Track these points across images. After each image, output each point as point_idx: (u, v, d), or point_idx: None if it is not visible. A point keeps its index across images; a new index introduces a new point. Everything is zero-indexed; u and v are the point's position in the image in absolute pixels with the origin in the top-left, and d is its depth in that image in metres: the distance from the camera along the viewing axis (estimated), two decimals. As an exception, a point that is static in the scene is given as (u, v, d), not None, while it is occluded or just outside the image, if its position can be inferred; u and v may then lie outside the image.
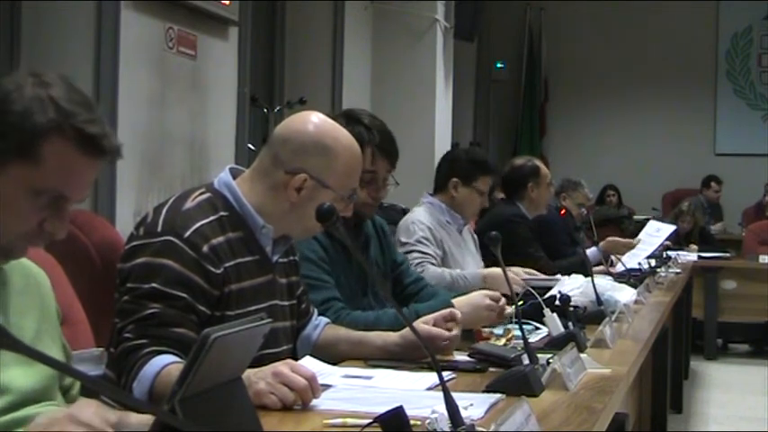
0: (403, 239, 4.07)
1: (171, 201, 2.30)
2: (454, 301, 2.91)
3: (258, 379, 1.93)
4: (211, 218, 2.27)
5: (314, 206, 2.27)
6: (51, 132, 1.59)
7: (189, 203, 2.28)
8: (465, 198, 4.29)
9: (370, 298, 3.02)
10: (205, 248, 2.20)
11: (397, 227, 4.13)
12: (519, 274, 3.83)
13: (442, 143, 9.07)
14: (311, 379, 1.96)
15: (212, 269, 2.20)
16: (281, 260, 2.45)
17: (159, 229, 2.20)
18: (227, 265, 2.24)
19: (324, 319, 2.65)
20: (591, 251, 5.27)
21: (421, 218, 4.19)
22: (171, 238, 2.18)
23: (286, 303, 2.47)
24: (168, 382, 1.98)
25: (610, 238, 5.79)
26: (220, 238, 2.25)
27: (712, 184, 11.12)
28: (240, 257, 2.29)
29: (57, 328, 1.82)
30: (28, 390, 1.67)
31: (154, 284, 2.14)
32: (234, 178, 2.37)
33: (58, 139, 1.59)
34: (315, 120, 2.39)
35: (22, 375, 1.66)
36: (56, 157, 1.60)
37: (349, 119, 2.95)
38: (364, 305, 2.94)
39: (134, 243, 2.21)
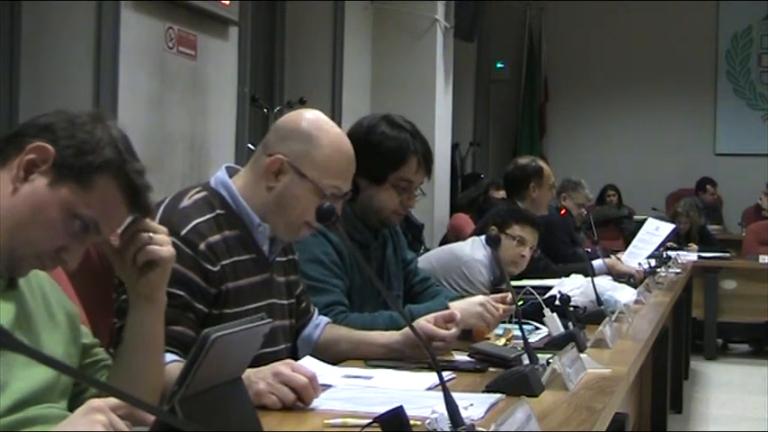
0: (462, 283, 4.11)
1: (167, 200, 2.30)
2: (451, 303, 2.91)
3: (258, 379, 1.93)
4: (208, 216, 2.27)
5: (292, 197, 2.28)
6: (109, 170, 1.70)
7: (185, 202, 2.28)
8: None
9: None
10: (202, 246, 2.21)
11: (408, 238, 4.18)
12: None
13: (442, 143, 9.07)
14: (312, 378, 1.96)
15: (209, 267, 2.21)
16: (279, 259, 2.45)
17: None
18: (223, 263, 2.24)
19: (324, 319, 2.65)
20: (597, 264, 5.25)
21: (486, 261, 4.23)
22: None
23: (285, 302, 2.47)
24: (168, 381, 1.98)
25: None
26: (217, 237, 2.25)
27: (707, 186, 11.11)
28: (237, 256, 2.29)
29: (65, 331, 1.83)
30: (27, 390, 1.67)
31: None
32: (231, 177, 2.37)
33: (112, 179, 1.71)
34: (310, 115, 2.40)
35: (22, 376, 1.67)
36: (104, 192, 1.70)
37: (392, 124, 2.95)
38: (380, 304, 2.93)
39: None
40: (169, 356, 2.08)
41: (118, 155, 1.72)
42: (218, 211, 2.30)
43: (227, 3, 5.85)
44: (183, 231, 2.20)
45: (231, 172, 2.40)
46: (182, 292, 2.16)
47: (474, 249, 4.34)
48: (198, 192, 2.33)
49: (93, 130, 1.71)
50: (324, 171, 2.33)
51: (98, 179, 1.69)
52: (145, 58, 5.20)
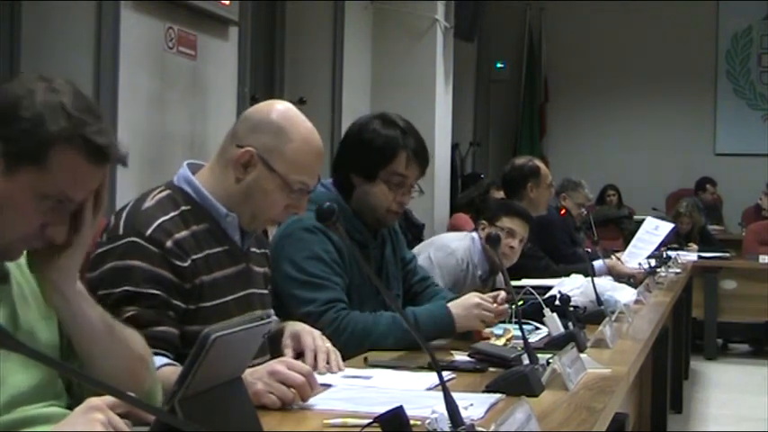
0: (424, 265, 4.11)
1: (131, 203, 2.29)
2: (449, 304, 2.91)
3: (255, 380, 1.93)
4: (172, 213, 2.26)
5: (260, 190, 2.29)
6: (61, 141, 1.62)
7: (148, 202, 2.27)
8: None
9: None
10: (169, 243, 2.20)
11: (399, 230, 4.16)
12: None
13: (442, 143, 9.07)
14: (308, 375, 1.97)
15: (179, 263, 2.20)
16: (254, 250, 2.45)
17: (121, 231, 2.19)
18: (194, 257, 2.23)
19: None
20: (597, 264, 5.25)
21: (458, 247, 4.22)
22: (134, 239, 2.17)
23: (264, 292, 2.47)
24: (163, 384, 1.99)
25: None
26: (184, 232, 2.24)
27: (707, 186, 11.12)
28: (208, 249, 2.28)
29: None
30: (24, 388, 1.67)
31: (126, 287, 2.13)
32: (195, 173, 2.37)
33: (68, 148, 1.63)
34: (280, 107, 2.39)
35: (18, 373, 1.66)
36: (64, 164, 1.63)
37: (385, 122, 2.95)
38: (379, 303, 2.93)
39: (98, 250, 2.19)
40: (159, 359, 2.07)
41: (68, 121, 1.63)
42: (183, 208, 2.29)
43: (227, 3, 5.85)
44: (149, 231, 2.19)
45: (194, 168, 2.39)
46: (158, 291, 2.15)
47: (456, 240, 4.35)
48: (161, 191, 2.32)
49: (34, 103, 1.62)
50: (292, 166, 2.31)
51: (53, 153, 1.62)
52: (145, 58, 5.20)
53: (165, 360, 2.09)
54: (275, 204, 2.32)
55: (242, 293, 2.34)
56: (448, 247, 4.28)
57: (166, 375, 2.00)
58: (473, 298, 2.91)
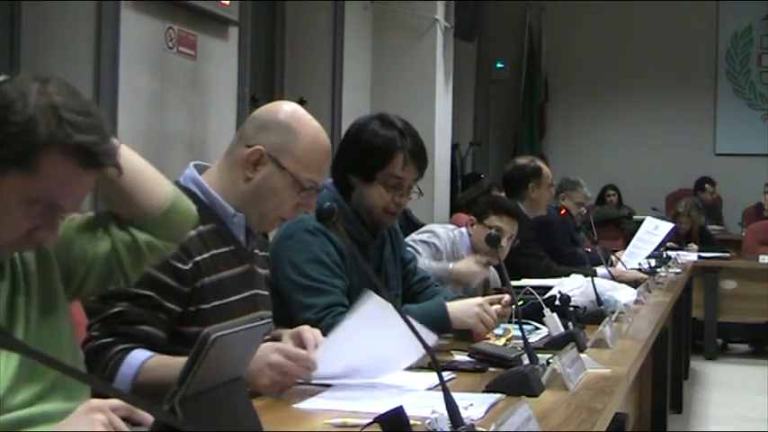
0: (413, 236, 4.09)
1: None
2: (449, 304, 2.91)
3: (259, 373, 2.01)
4: None
5: (270, 188, 2.29)
6: (52, 145, 1.60)
7: None
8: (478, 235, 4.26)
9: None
10: None
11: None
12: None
13: (442, 143, 9.07)
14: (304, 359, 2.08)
15: (180, 266, 2.19)
16: (258, 252, 2.45)
17: None
18: (197, 258, 2.22)
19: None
20: (601, 272, 5.23)
21: (441, 233, 4.21)
22: None
23: (267, 293, 2.47)
24: (151, 377, 2.03)
25: None
26: (190, 233, 2.24)
27: (706, 186, 11.12)
28: (214, 249, 2.28)
29: (52, 307, 1.81)
30: (6, 371, 1.66)
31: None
32: (201, 173, 2.37)
33: (58, 152, 1.60)
34: (288, 107, 2.40)
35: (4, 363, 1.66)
36: (54, 168, 1.61)
37: (383, 122, 2.95)
38: None
39: None
40: (143, 353, 2.09)
41: (57, 123, 1.60)
42: None
43: (227, 3, 5.85)
44: None
45: (200, 169, 2.39)
46: (150, 293, 2.14)
47: (442, 228, 4.32)
48: None
49: (26, 106, 1.60)
50: (302, 164, 2.32)
51: (41, 158, 1.59)
52: (145, 58, 5.21)
53: (148, 353, 2.10)
54: (284, 203, 2.33)
55: (247, 294, 2.34)
56: (430, 230, 4.25)
57: (153, 367, 2.05)
58: (477, 299, 2.93)
